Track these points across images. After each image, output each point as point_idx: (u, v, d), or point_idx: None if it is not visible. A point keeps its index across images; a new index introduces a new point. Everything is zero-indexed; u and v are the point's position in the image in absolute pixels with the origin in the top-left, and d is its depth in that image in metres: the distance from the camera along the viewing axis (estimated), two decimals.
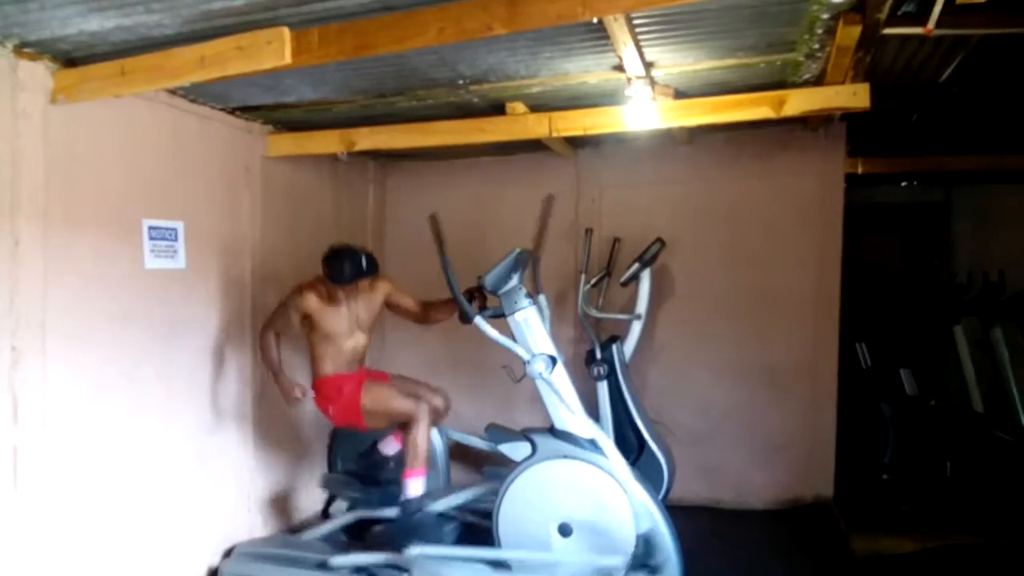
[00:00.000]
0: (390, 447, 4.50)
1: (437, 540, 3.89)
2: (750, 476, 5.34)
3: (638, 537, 3.58)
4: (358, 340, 4.23)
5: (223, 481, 4.36)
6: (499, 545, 3.82)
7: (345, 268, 3.96)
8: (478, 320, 3.74)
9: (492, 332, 3.72)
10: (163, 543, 3.91)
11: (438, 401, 4.33)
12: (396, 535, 3.96)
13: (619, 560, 3.57)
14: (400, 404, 4.07)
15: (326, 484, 4.84)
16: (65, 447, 3.35)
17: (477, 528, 4.21)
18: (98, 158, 3.54)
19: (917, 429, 5.61)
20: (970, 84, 4.16)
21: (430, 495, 4.14)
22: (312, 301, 4.03)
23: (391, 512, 4.28)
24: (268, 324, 4.14)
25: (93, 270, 3.49)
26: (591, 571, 3.64)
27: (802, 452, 5.27)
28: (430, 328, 4.57)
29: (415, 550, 3.73)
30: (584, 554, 3.66)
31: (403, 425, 4.13)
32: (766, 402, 5.30)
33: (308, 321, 4.08)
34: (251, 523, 4.58)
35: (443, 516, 4.17)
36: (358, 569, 3.89)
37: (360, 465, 4.71)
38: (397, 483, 4.20)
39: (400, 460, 4.26)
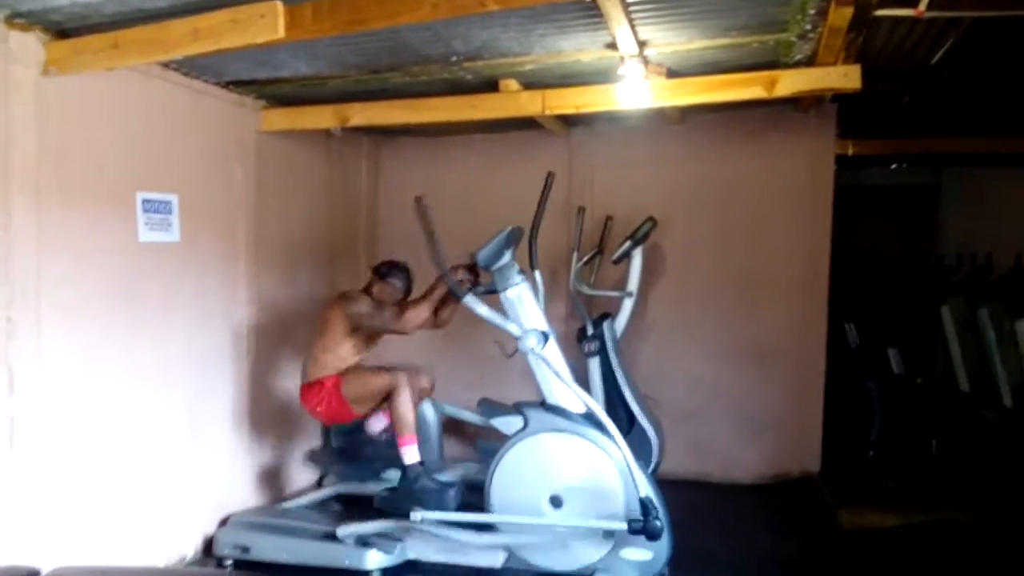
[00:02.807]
0: (377, 424, 4.54)
1: (439, 506, 3.95)
2: (738, 452, 5.42)
3: (641, 500, 3.57)
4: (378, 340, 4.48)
5: (218, 451, 4.40)
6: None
7: (410, 280, 4.40)
8: (468, 299, 3.76)
9: (482, 310, 3.75)
10: (159, 512, 3.96)
11: (424, 381, 4.40)
12: (399, 501, 4.02)
13: (619, 524, 3.60)
14: (378, 380, 4.16)
15: (312, 459, 4.89)
16: (61, 417, 3.37)
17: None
18: (91, 131, 3.54)
19: (903, 407, 5.68)
20: (961, 67, 4.19)
21: (427, 462, 4.20)
22: (362, 297, 4.29)
23: (373, 488, 4.35)
24: (393, 318, 4.19)
25: (87, 243, 3.50)
26: (588, 536, 3.70)
27: (790, 429, 5.34)
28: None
29: (418, 515, 3.79)
30: (584, 518, 3.71)
31: (387, 399, 4.19)
32: (755, 379, 5.37)
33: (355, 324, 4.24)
34: (246, 493, 4.63)
35: (445, 482, 4.22)
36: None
37: (348, 442, 4.74)
38: (383, 458, 4.26)
39: (387, 434, 4.33)
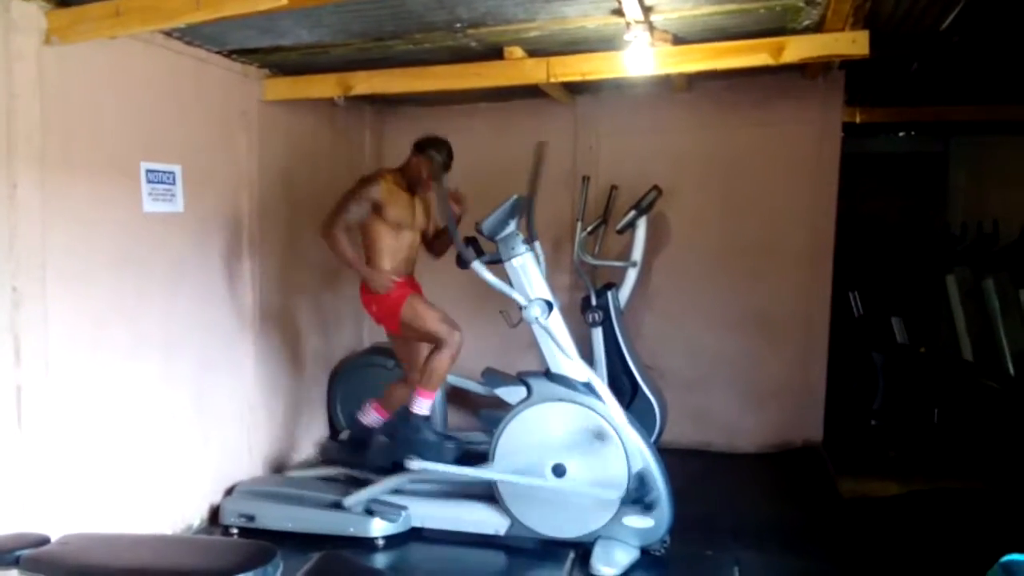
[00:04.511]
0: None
1: (437, 457, 3.97)
2: (741, 421, 5.44)
3: (633, 475, 3.68)
4: (415, 238, 4.30)
5: (223, 422, 4.43)
6: (495, 486, 3.92)
7: (450, 155, 4.19)
8: (476, 265, 3.76)
9: (489, 277, 3.76)
10: (166, 481, 4.00)
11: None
12: (396, 449, 4.05)
13: (615, 494, 3.68)
14: (436, 327, 4.08)
15: (320, 453, 4.94)
16: (68, 387, 3.39)
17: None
18: (94, 101, 3.52)
19: (906, 377, 5.70)
20: (971, 33, 4.13)
21: (432, 419, 4.23)
22: (387, 187, 4.12)
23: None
24: (334, 221, 4.05)
25: (92, 213, 3.50)
26: (589, 504, 3.74)
27: (793, 398, 5.36)
28: (425, 275, 4.59)
29: (415, 464, 3.84)
30: (583, 486, 3.76)
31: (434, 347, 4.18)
32: (759, 349, 5.37)
33: (376, 211, 4.10)
34: (252, 463, 4.67)
35: (446, 436, 4.26)
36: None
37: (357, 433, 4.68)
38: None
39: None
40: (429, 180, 4.19)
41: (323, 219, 4.10)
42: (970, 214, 6.47)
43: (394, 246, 4.18)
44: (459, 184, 5.57)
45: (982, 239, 6.06)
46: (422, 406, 4.10)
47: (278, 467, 4.90)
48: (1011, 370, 5.66)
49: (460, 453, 4.11)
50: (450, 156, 4.23)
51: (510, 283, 3.83)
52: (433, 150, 4.17)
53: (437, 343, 4.10)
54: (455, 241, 3.84)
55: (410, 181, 4.22)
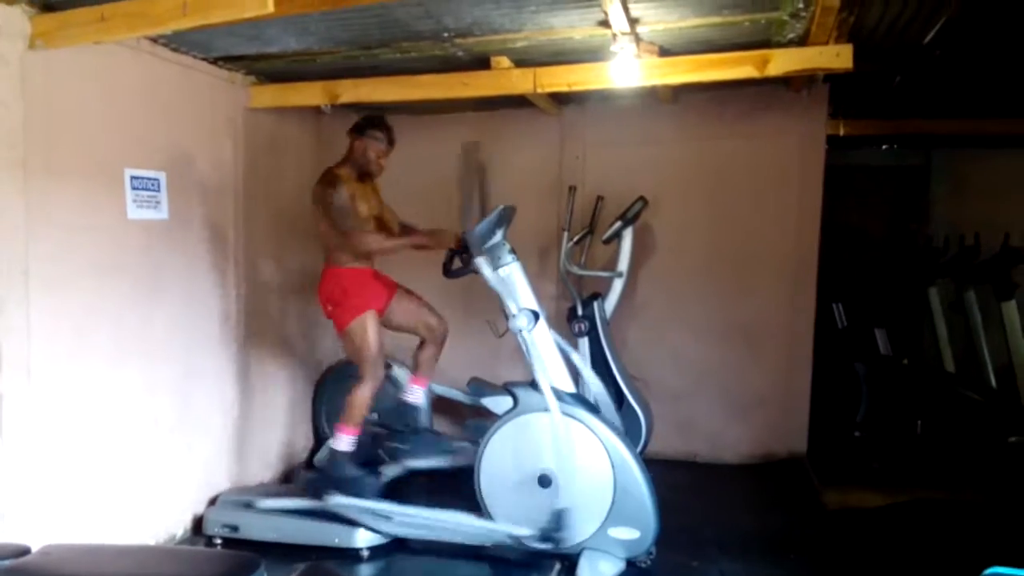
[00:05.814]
0: (414, 395, 4.51)
1: (357, 493, 3.96)
2: (726, 431, 5.45)
3: (552, 512, 3.68)
4: (374, 227, 4.22)
5: (208, 430, 4.40)
6: (480, 496, 3.90)
7: (391, 131, 4.13)
8: (479, 261, 3.73)
9: (491, 274, 3.74)
10: (148, 491, 3.96)
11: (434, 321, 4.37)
12: (319, 484, 4.04)
13: (527, 531, 3.71)
14: (368, 357, 4.05)
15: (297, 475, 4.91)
16: (51, 395, 3.36)
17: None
18: (79, 106, 3.50)
19: (890, 388, 5.72)
20: (953, 47, 4.18)
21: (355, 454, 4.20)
22: (348, 185, 4.07)
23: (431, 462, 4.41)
24: (347, 232, 4.00)
25: (76, 220, 3.47)
26: (575, 515, 3.73)
27: (777, 409, 5.37)
28: (410, 285, 4.57)
29: (334, 499, 3.87)
30: (492, 524, 3.82)
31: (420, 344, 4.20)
32: (743, 360, 5.39)
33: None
34: (235, 472, 4.63)
35: (372, 468, 4.24)
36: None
37: (390, 419, 4.68)
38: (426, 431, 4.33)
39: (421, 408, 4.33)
40: (379, 161, 4.16)
41: (354, 247, 4.07)
42: (952, 227, 6.53)
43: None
44: (445, 192, 5.60)
45: (964, 252, 6.11)
46: (343, 442, 4.08)
47: (263, 476, 4.86)
48: (993, 382, 5.70)
49: (392, 480, 4.12)
50: (391, 132, 4.17)
51: (495, 294, 3.82)
52: (372, 129, 4.13)
53: (361, 373, 4.08)
54: (471, 239, 3.76)
55: (359, 169, 4.17)
